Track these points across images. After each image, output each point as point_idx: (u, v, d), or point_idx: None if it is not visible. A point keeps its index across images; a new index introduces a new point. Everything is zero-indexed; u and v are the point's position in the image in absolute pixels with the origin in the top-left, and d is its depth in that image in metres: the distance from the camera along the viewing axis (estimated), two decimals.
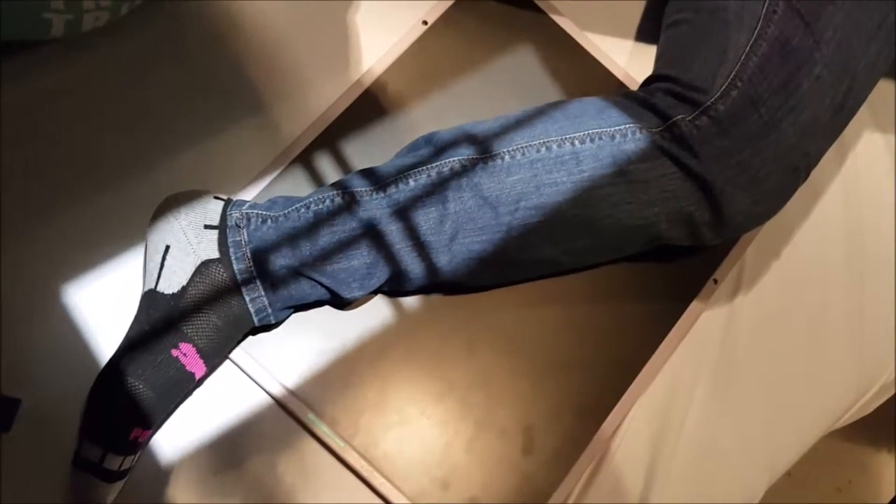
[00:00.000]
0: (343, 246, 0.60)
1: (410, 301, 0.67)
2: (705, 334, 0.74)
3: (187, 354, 0.57)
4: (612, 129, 0.63)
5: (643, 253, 0.68)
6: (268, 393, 0.63)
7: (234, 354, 0.63)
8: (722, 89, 0.63)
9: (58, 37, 0.62)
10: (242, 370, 0.63)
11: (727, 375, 0.74)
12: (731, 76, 0.63)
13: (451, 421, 0.65)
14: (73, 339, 0.61)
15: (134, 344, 0.57)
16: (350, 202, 0.60)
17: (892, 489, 1.31)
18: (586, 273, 0.70)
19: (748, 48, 0.64)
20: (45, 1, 0.58)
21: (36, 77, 0.66)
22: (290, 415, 0.63)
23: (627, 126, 0.63)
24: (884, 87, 0.86)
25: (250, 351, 0.63)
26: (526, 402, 0.67)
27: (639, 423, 0.70)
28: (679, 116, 0.62)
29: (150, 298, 0.58)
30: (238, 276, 0.58)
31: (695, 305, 0.73)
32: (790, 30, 0.64)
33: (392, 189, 0.61)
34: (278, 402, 0.63)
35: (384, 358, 0.65)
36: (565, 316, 0.70)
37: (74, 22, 0.61)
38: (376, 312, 0.66)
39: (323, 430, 0.62)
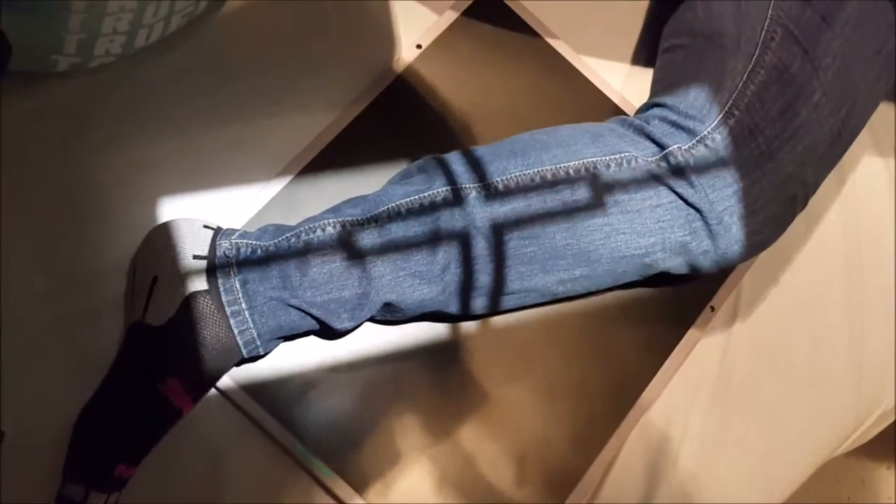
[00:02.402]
0: (334, 276, 0.59)
1: (401, 330, 0.66)
2: (702, 362, 0.73)
3: (174, 389, 0.56)
4: (607, 157, 0.62)
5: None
6: (256, 423, 0.62)
7: (221, 382, 0.62)
8: (719, 118, 0.62)
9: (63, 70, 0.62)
10: (230, 399, 0.62)
11: (724, 404, 0.73)
12: (728, 105, 0.62)
13: (443, 451, 0.64)
14: (58, 370, 0.60)
15: (119, 378, 0.56)
16: (341, 232, 0.59)
17: None
18: (581, 300, 0.69)
19: (745, 76, 0.63)
20: (59, 45, 0.58)
21: (35, 93, 0.66)
22: (279, 446, 0.62)
23: (622, 155, 0.62)
24: (884, 111, 0.85)
25: (238, 379, 0.62)
26: (519, 432, 0.66)
27: (634, 453, 0.70)
28: (675, 146, 0.62)
29: (137, 330, 0.57)
30: (226, 308, 0.57)
31: (691, 333, 0.72)
32: (788, 57, 0.63)
33: (383, 218, 0.60)
34: (267, 433, 0.62)
35: (374, 388, 0.64)
36: (559, 344, 0.69)
37: (81, 64, 0.62)
38: (366, 341, 0.65)
39: (312, 461, 0.62)
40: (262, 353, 0.60)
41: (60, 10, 0.54)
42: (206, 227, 0.61)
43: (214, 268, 0.58)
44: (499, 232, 0.60)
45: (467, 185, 0.60)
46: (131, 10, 0.57)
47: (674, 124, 0.63)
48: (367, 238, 0.59)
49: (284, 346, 0.64)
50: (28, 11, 0.53)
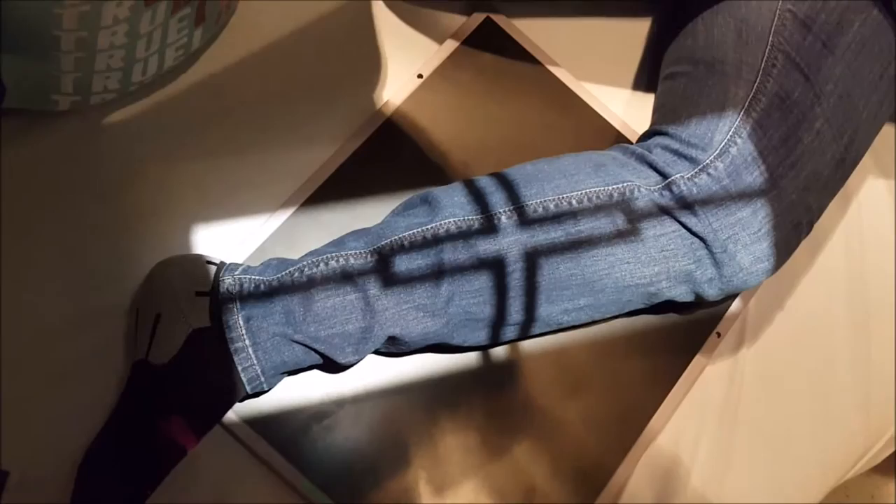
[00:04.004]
0: (337, 311, 0.58)
1: (406, 362, 0.66)
2: (709, 389, 0.72)
3: (178, 428, 0.55)
4: (610, 187, 0.62)
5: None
6: (260, 458, 0.62)
7: (225, 417, 0.61)
8: (721, 146, 0.62)
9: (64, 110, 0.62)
10: (233, 435, 0.62)
11: (732, 430, 0.72)
12: (730, 132, 0.62)
13: (450, 485, 0.64)
14: (63, 409, 0.60)
15: (122, 417, 0.56)
16: (344, 266, 0.59)
17: None
18: (586, 329, 0.69)
19: (747, 103, 0.63)
20: (56, 84, 0.58)
21: (37, 134, 0.66)
22: (285, 482, 0.62)
23: (625, 185, 0.62)
24: (886, 133, 0.85)
25: (242, 414, 0.62)
26: (526, 463, 0.66)
27: (643, 480, 0.69)
28: (678, 175, 0.61)
29: (140, 369, 0.57)
30: (230, 345, 0.57)
31: (698, 360, 0.72)
32: (790, 84, 0.63)
33: (386, 251, 0.60)
34: (271, 469, 0.62)
35: (379, 421, 0.64)
36: (565, 373, 0.68)
37: (82, 102, 0.62)
38: (371, 374, 0.65)
39: (318, 497, 0.61)
40: (266, 388, 0.60)
41: (52, 51, 0.54)
42: (208, 262, 0.61)
43: (217, 304, 0.58)
44: (503, 263, 0.60)
45: (470, 217, 0.60)
46: (122, 46, 0.56)
47: (676, 153, 0.63)
48: (370, 271, 0.59)
49: (289, 380, 0.63)
50: (20, 54, 0.54)
